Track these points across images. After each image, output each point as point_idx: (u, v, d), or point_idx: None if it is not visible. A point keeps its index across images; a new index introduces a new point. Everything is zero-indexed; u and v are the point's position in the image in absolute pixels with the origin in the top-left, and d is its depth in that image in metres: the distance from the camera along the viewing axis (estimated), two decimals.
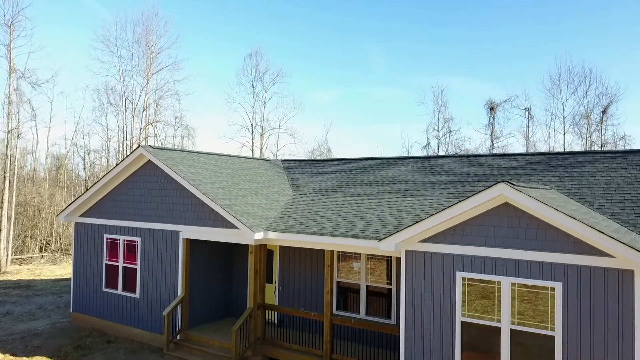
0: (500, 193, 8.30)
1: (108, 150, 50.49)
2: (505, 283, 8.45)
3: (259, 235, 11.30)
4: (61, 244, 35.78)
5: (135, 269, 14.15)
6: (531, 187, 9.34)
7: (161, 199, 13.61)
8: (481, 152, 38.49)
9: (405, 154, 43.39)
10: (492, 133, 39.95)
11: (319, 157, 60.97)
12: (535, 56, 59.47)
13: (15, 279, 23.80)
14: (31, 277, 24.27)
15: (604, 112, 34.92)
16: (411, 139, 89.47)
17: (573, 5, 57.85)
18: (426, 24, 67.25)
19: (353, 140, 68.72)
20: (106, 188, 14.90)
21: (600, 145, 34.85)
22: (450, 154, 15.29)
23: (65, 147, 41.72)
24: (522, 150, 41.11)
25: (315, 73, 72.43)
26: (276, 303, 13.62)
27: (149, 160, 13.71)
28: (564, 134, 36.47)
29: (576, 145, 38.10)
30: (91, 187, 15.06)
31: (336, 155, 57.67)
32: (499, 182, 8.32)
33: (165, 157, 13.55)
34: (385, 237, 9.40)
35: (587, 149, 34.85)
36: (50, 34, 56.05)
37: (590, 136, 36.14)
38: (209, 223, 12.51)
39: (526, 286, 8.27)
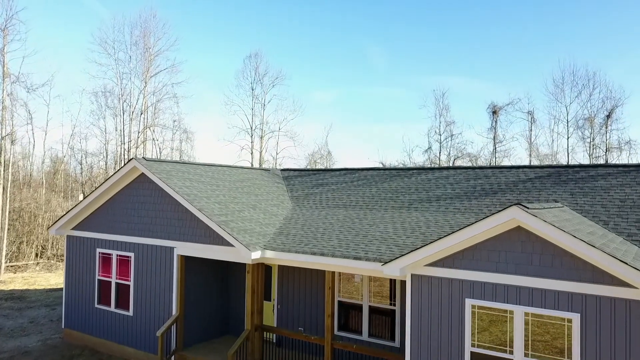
0: (512, 217, 7.77)
1: (106, 152, 50.05)
2: (518, 312, 7.92)
3: (256, 255, 10.77)
4: (57, 250, 35.27)
5: (129, 285, 13.62)
6: (545, 208, 8.81)
7: (155, 214, 13.08)
8: (487, 164, 38.01)
9: (407, 158, 42.89)
10: (494, 137, 39.43)
11: (319, 163, 60.37)
12: (536, 56, 58.95)
13: (9, 288, 23.27)
14: (25, 287, 23.74)
15: (608, 116, 34.39)
16: (412, 142, 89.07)
17: (572, 5, 57.32)
18: (426, 24, 66.73)
19: (353, 140, 68.20)
20: (99, 200, 14.37)
21: (604, 150, 34.33)
22: (455, 165, 14.76)
23: (62, 152, 41.18)
24: (525, 154, 40.65)
25: (315, 73, 71.93)
26: (275, 321, 13.10)
27: (143, 173, 13.18)
28: (568, 138, 35.95)
29: (579, 148, 37.62)
30: (83, 200, 14.54)
31: (336, 158, 57.24)
32: (512, 205, 7.79)
33: (160, 170, 13.02)
34: (389, 261, 8.87)
35: (595, 160, 34.32)
36: (49, 34, 55.56)
37: (593, 140, 35.64)
38: (205, 240, 11.98)
39: (541, 316, 7.74)
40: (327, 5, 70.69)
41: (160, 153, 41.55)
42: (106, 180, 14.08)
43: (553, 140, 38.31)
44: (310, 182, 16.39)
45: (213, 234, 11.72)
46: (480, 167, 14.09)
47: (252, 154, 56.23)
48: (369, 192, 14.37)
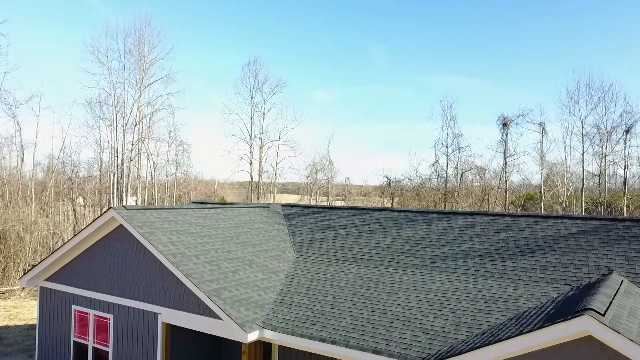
0: (585, 328, 6.02)
1: (101, 161, 48.24)
2: None
3: (253, 336, 9.00)
4: None
5: (107, 351, 11.84)
6: (611, 302, 7.04)
7: (138, 271, 11.30)
8: (498, 178, 36.24)
9: (413, 173, 41.12)
10: (505, 150, 37.66)
11: (320, 172, 58.40)
12: (539, 57, 57.27)
13: None
14: (4, 323, 21.94)
15: (627, 131, 32.62)
16: (419, 157, 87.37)
17: (573, 6, 55.65)
18: (426, 24, 65.12)
19: (354, 140, 66.69)
20: (76, 249, 12.60)
21: (623, 167, 32.58)
22: (482, 211, 12.92)
23: (51, 169, 39.37)
24: (536, 167, 38.87)
25: (316, 73, 70.52)
26: None
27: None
28: (583, 152, 34.18)
29: (593, 162, 35.84)
30: (59, 249, 12.78)
31: (338, 168, 55.38)
32: (582, 313, 6.04)
33: (142, 222, 11.24)
34: None
35: (612, 175, 32.57)
36: (47, 37, 53.76)
37: (611, 152, 33.89)
38: (194, 309, 10.20)
39: None
40: (327, 5, 69.10)
41: (154, 168, 39.76)
42: (83, 229, 12.32)
43: (567, 155, 36.45)
44: (315, 222, 14.61)
45: (203, 305, 9.94)
46: (511, 215, 12.31)
47: (251, 164, 54.45)
48: (383, 241, 12.59)
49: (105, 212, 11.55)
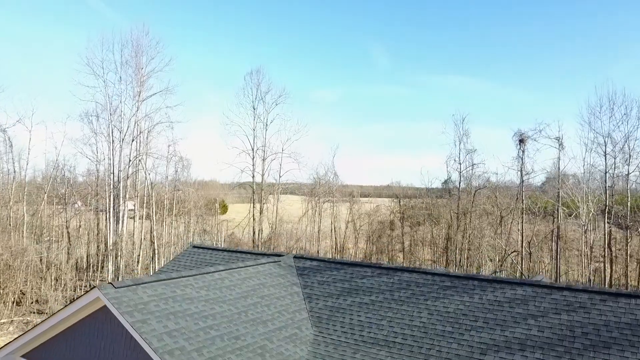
0: None
1: (97, 174, 46.37)
2: None
3: None
4: (38, 297, 31.61)
5: None
6: None
7: None
8: (515, 196, 34.25)
9: (424, 190, 39.28)
10: (521, 168, 35.78)
11: (323, 180, 56.26)
12: (539, 57, 55.37)
13: None
14: None
15: None
16: (431, 175, 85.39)
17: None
18: (425, 23, 63.28)
19: (354, 140, 64.93)
20: (58, 326, 10.75)
21: None
22: (533, 281, 10.97)
23: (44, 190, 37.45)
24: (554, 183, 36.91)
25: (318, 72, 68.75)
26: None
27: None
28: (606, 172, 32.28)
29: (619, 180, 33.95)
30: (38, 326, 10.93)
31: (341, 174, 53.49)
32: None
33: (134, 305, 9.35)
34: None
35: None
36: (49, 39, 51.86)
37: (635, 169, 32.00)
38: None
39: None
40: (328, 5, 67.38)
41: (152, 187, 37.86)
42: (64, 307, 10.43)
43: (588, 173, 34.51)
44: (334, 283, 12.71)
45: None
46: (570, 289, 10.40)
47: (253, 177, 52.52)
48: (418, 318, 10.69)
49: (88, 291, 9.68)
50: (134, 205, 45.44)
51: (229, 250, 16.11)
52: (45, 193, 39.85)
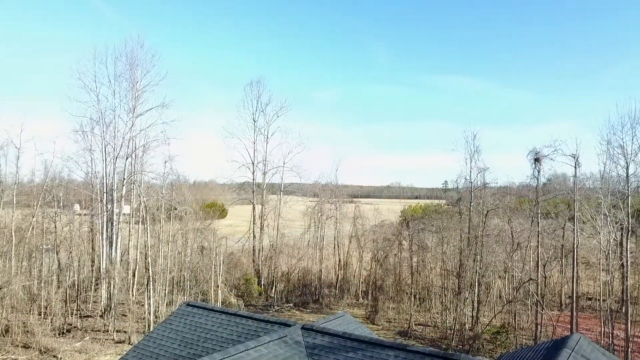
0: None
1: (92, 186, 44.45)
2: None
3: None
4: (26, 331, 29.76)
5: None
6: None
7: None
8: (530, 218, 32.37)
9: (425, 190, 37.34)
10: (537, 189, 33.90)
11: (326, 192, 54.26)
12: (543, 57, 53.46)
13: None
14: None
15: None
16: (431, 175, 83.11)
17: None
18: (426, 24, 61.43)
19: (355, 140, 63.15)
20: None
21: None
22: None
23: (34, 212, 35.54)
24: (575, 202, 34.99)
25: (318, 72, 66.91)
26: None
27: None
28: (628, 195, 30.41)
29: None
30: None
31: (344, 180, 51.70)
32: None
33: None
34: None
35: None
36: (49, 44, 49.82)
37: None
38: None
39: None
40: (328, 5, 65.53)
41: (146, 212, 35.94)
42: None
43: (604, 197, 32.60)
44: None
45: None
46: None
47: (253, 192, 50.63)
48: None
49: None
50: (131, 210, 43.47)
51: (227, 313, 14.23)
52: (36, 209, 37.91)
